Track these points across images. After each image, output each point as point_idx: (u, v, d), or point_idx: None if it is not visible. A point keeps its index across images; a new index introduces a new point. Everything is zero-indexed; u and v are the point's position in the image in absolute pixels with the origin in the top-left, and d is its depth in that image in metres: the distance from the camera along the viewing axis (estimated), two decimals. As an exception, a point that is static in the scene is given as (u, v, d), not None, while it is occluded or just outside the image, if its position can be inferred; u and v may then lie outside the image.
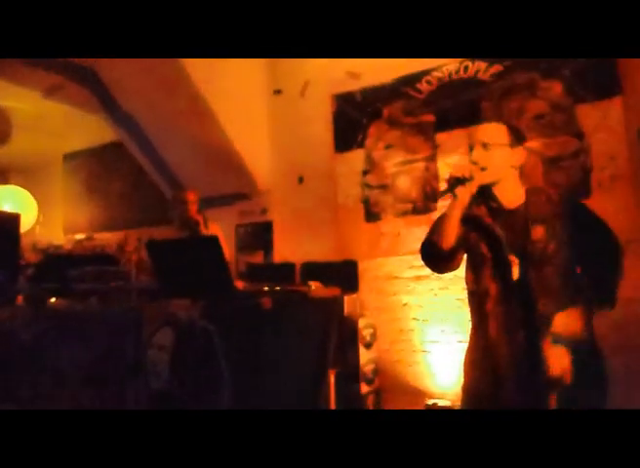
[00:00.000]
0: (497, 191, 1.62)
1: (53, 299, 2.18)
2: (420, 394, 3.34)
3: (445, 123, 3.37)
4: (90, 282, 2.39)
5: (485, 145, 1.58)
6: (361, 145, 3.75)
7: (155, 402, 1.68)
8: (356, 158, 3.76)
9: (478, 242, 1.64)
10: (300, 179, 3.98)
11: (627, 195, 2.85)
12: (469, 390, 1.69)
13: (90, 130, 5.12)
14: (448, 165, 3.34)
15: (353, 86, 3.76)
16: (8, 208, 4.64)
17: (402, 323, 3.52)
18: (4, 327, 2.22)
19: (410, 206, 3.53)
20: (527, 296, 1.55)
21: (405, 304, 3.52)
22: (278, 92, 4.08)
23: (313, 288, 2.28)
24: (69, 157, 5.78)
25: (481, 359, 1.65)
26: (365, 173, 3.73)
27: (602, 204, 2.77)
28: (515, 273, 1.56)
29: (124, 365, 1.75)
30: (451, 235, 1.59)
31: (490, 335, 1.60)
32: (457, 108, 3.35)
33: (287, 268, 3.78)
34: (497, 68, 3.25)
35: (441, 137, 3.41)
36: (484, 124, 1.67)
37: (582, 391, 1.46)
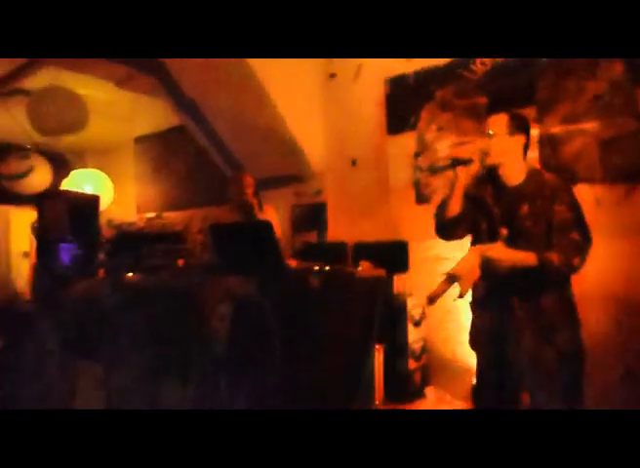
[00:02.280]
0: (501, 172, 1.83)
1: (129, 274, 2.46)
2: (466, 372, 3.41)
3: (498, 105, 3.32)
4: (159, 258, 2.66)
5: (489, 135, 1.81)
6: (413, 128, 3.77)
7: (216, 365, 1.90)
8: (408, 140, 3.80)
9: (480, 219, 1.86)
10: (354, 162, 4.08)
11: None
12: (476, 372, 1.94)
13: (157, 115, 5.44)
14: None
15: (406, 69, 3.77)
16: (88, 189, 5.05)
17: (450, 302, 3.58)
18: (88, 295, 2.54)
19: (460, 188, 3.55)
20: None
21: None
22: (333, 75, 4.17)
23: (360, 268, 2.42)
24: (139, 140, 6.11)
25: (477, 333, 1.95)
26: (417, 155, 3.77)
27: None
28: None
29: (189, 333, 1.98)
30: (453, 207, 1.83)
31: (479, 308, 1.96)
32: (511, 89, 3.30)
33: (339, 248, 3.91)
34: (554, 47, 3.16)
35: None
36: (491, 116, 1.89)
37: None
